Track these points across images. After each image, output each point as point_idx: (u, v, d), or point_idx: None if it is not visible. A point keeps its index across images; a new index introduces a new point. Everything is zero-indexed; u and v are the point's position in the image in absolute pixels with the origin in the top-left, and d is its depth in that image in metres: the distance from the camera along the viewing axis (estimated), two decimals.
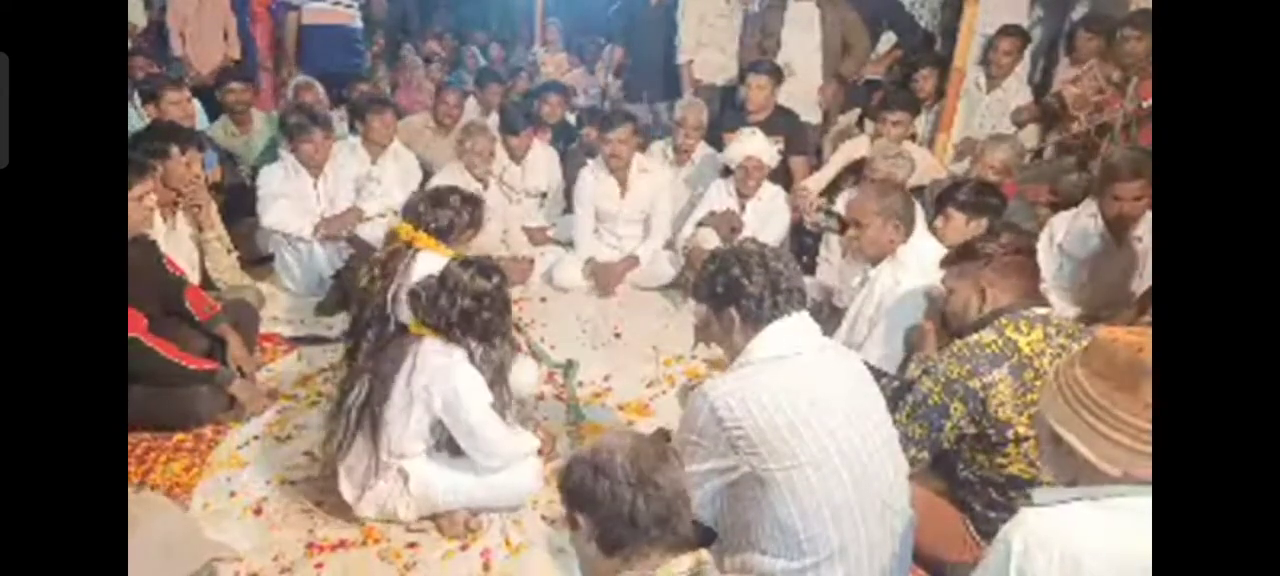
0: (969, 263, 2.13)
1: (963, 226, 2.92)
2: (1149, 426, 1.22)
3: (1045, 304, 2.10)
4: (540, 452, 2.40)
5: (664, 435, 1.54)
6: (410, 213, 2.64)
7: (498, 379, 2.26)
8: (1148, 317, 2.84)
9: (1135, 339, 1.25)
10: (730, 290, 1.73)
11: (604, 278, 3.98)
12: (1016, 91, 4.62)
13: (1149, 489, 1.19)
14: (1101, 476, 1.25)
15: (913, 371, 2.38)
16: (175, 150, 3.15)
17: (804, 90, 4.74)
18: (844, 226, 2.90)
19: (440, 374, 2.13)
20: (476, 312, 2.15)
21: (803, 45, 4.67)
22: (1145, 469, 1.23)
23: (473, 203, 2.71)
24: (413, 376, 2.15)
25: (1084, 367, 1.29)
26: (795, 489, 1.61)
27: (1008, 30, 4.48)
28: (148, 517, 1.21)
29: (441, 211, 2.61)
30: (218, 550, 1.30)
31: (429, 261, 2.46)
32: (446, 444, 2.26)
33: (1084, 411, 1.26)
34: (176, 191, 3.22)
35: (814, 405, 1.63)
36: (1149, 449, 1.22)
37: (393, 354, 2.20)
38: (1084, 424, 1.26)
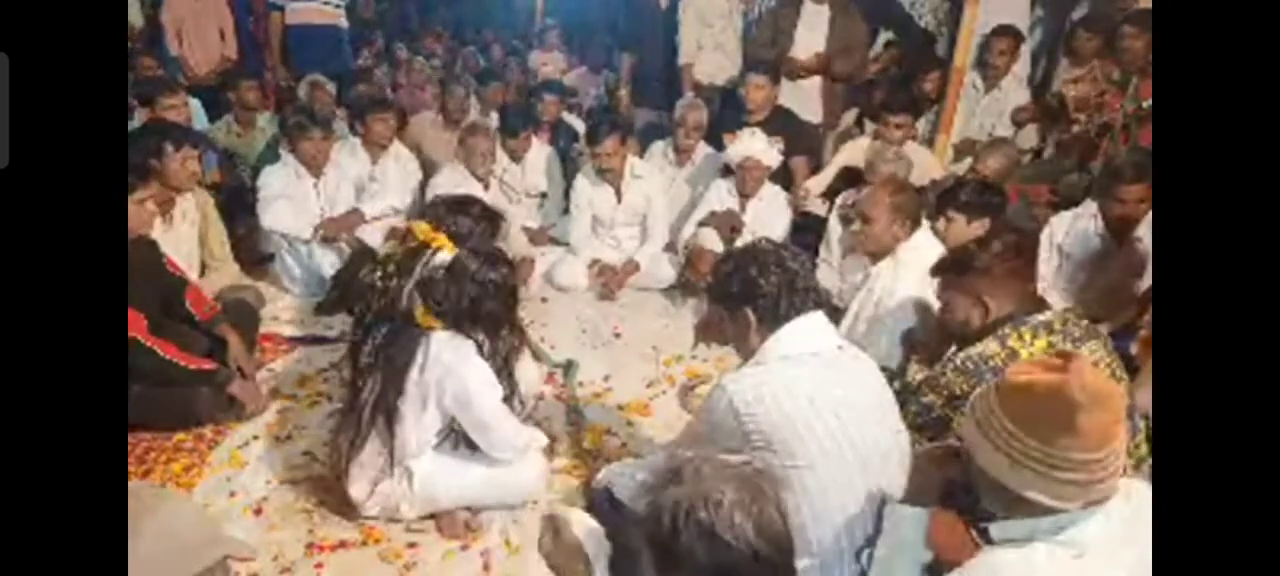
0: (965, 277, 2.09)
1: (965, 228, 2.93)
2: (1100, 453, 1.21)
3: (1044, 306, 2.10)
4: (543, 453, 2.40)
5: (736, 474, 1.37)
6: (430, 215, 2.63)
7: (504, 370, 2.25)
8: (1148, 317, 2.84)
9: (1052, 378, 1.23)
10: (746, 290, 1.73)
11: (608, 281, 3.99)
12: (1014, 92, 4.62)
13: (1103, 509, 1.22)
14: (1058, 509, 1.24)
15: (912, 375, 2.37)
16: (170, 148, 3.13)
17: (807, 90, 4.73)
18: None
19: (452, 368, 2.12)
20: (483, 302, 2.14)
21: (811, 46, 4.67)
22: (1103, 491, 1.24)
23: (492, 218, 2.69)
24: (424, 371, 2.13)
25: (1013, 421, 1.26)
26: (807, 488, 1.61)
27: (1001, 30, 4.47)
28: (161, 509, 1.21)
29: (462, 219, 2.58)
30: (231, 545, 1.29)
31: (446, 261, 2.47)
32: (454, 439, 2.25)
33: (1032, 463, 1.24)
34: (174, 190, 3.21)
35: (830, 406, 1.63)
36: (1106, 473, 1.23)
37: (403, 348, 2.18)
38: (1035, 474, 1.24)
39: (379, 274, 2.51)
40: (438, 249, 2.54)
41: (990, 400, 1.31)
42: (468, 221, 2.59)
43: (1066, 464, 1.22)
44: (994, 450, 1.28)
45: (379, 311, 2.44)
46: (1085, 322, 2.11)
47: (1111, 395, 1.23)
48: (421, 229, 2.59)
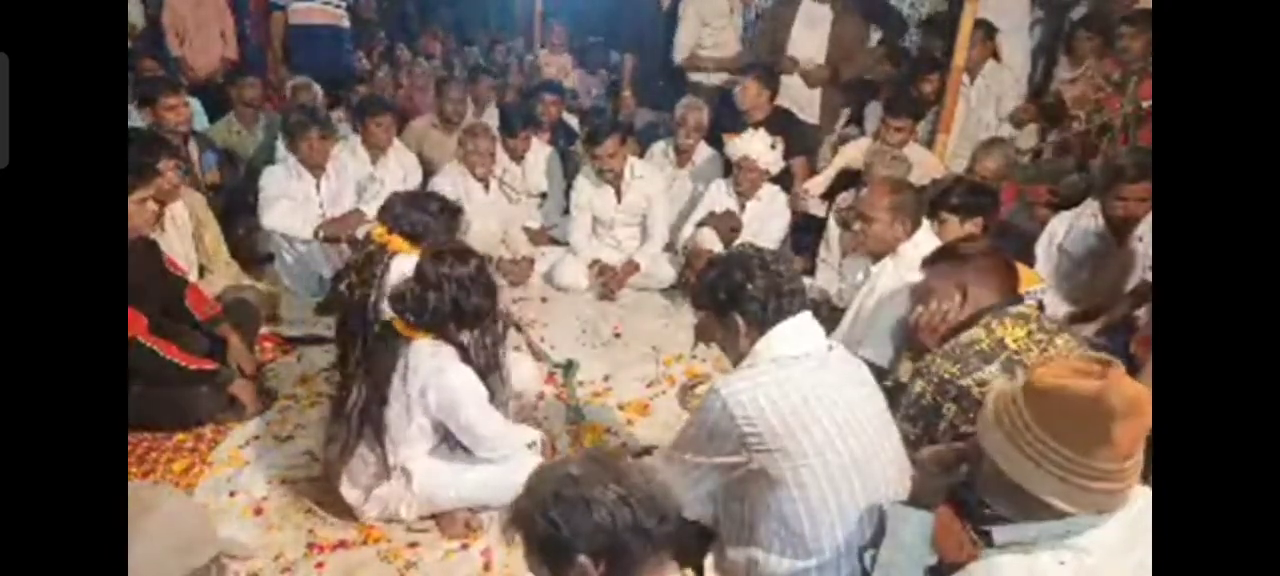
0: (948, 264, 2.12)
1: (958, 229, 2.93)
2: (1128, 461, 1.21)
3: (1020, 299, 2.11)
4: (541, 452, 2.40)
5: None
6: (385, 214, 2.61)
7: (492, 367, 2.24)
8: (1142, 311, 2.85)
9: (1089, 386, 1.21)
10: (733, 295, 1.74)
11: (608, 281, 3.99)
12: (997, 74, 4.63)
13: (1110, 517, 1.21)
14: (1072, 514, 1.23)
15: (902, 371, 2.38)
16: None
17: (806, 92, 4.73)
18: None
19: (434, 376, 2.11)
20: (465, 299, 2.12)
21: (810, 44, 4.66)
22: (1121, 499, 1.23)
23: (450, 211, 2.67)
24: (407, 379, 2.13)
25: (1042, 426, 1.24)
26: (805, 487, 1.61)
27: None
28: (160, 506, 1.21)
29: (417, 215, 2.56)
30: (227, 545, 1.30)
31: (405, 264, 2.42)
32: (451, 441, 2.25)
33: (1058, 469, 1.23)
34: (159, 201, 3.19)
35: (823, 406, 1.63)
36: (1127, 481, 1.22)
37: (385, 357, 2.17)
38: (1058, 481, 1.23)
39: (344, 283, 2.49)
40: (394, 251, 2.52)
41: (1018, 403, 1.29)
42: (424, 218, 2.56)
43: (1094, 471, 1.21)
44: (1019, 455, 1.26)
45: (355, 321, 2.43)
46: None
47: (1145, 402, 1.21)
48: (377, 231, 2.57)
